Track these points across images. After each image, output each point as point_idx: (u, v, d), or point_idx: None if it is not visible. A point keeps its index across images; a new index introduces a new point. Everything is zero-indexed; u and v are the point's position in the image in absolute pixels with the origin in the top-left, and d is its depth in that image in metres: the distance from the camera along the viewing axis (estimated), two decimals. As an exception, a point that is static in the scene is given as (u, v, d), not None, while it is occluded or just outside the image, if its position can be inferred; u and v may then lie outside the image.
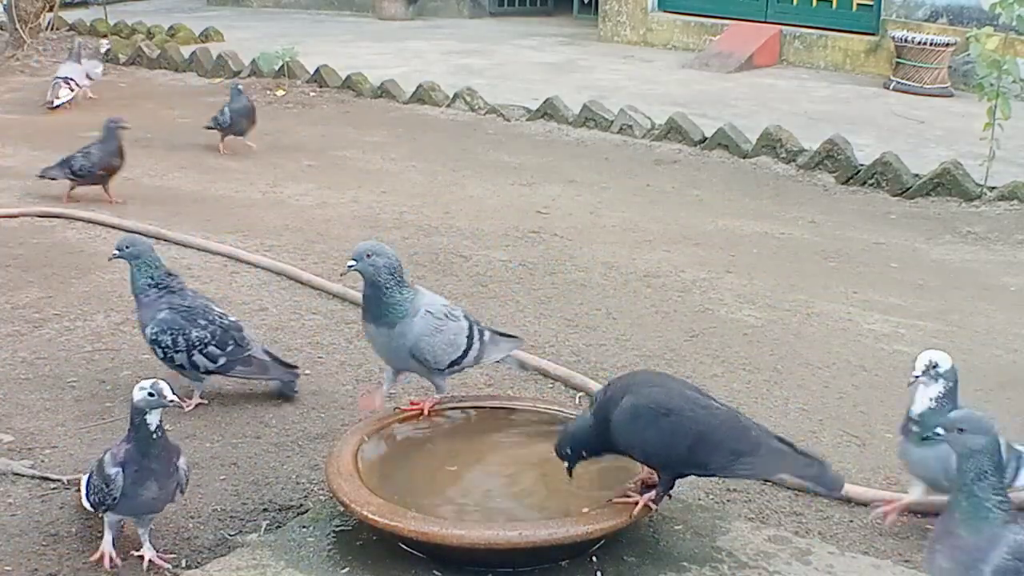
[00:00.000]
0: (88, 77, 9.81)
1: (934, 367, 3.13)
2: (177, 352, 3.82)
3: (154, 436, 2.93)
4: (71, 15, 13.63)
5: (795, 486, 3.41)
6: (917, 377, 3.13)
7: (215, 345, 3.85)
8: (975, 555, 2.43)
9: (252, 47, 11.03)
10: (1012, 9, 6.92)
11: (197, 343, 3.82)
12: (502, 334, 3.57)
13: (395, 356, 3.37)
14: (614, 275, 5.45)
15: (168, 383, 2.94)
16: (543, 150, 8.14)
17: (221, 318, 3.93)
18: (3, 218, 6.00)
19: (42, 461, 3.49)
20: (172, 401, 2.93)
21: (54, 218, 6.04)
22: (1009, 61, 6.88)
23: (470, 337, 3.37)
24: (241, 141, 7.76)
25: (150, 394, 2.91)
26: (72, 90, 9.32)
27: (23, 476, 3.38)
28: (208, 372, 3.88)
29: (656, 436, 2.84)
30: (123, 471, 2.90)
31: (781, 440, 2.95)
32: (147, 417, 2.92)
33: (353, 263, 3.24)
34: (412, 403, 3.44)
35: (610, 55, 12.59)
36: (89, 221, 5.97)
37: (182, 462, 3.02)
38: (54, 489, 3.33)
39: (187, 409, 3.81)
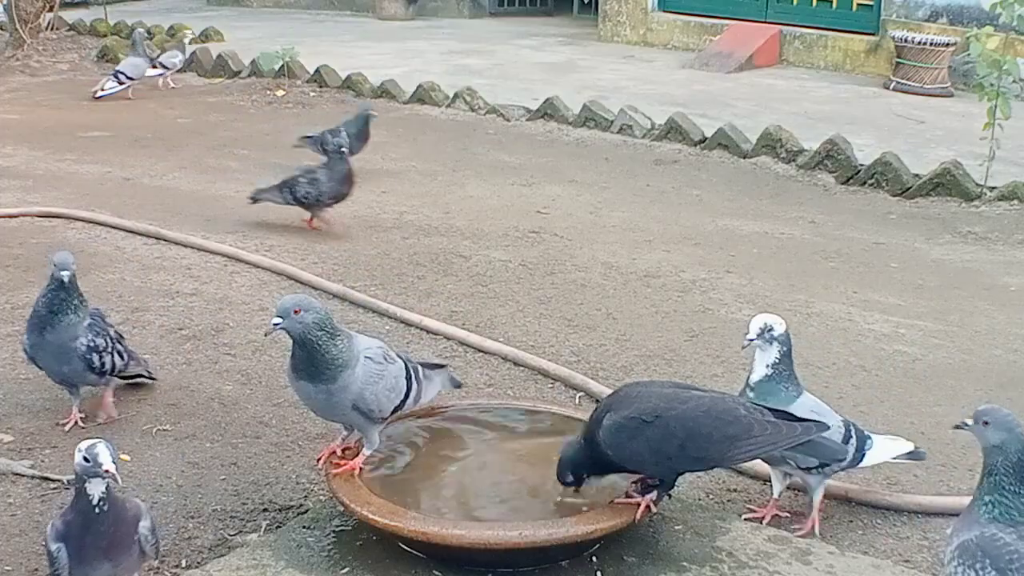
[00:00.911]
0: (163, 65, 10.01)
1: (769, 330, 3.07)
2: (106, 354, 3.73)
3: (96, 510, 2.49)
4: (71, 15, 13.62)
5: (795, 485, 3.41)
6: (752, 340, 3.07)
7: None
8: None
9: (252, 47, 11.03)
10: (1012, 9, 6.92)
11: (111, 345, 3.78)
12: (429, 365, 3.34)
13: (334, 412, 3.08)
14: (614, 275, 5.45)
15: (108, 445, 2.51)
16: (543, 150, 8.14)
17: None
18: (3, 218, 6.00)
19: (42, 461, 3.49)
20: (108, 472, 2.45)
21: (54, 218, 6.04)
22: (1009, 61, 6.88)
23: (409, 378, 3.14)
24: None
25: (85, 458, 2.46)
26: (120, 83, 9.52)
27: (23, 476, 3.38)
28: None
29: (645, 445, 2.82)
30: (65, 547, 2.50)
31: (773, 411, 2.94)
32: (87, 486, 2.48)
33: (279, 321, 2.93)
34: (338, 463, 3.09)
35: (610, 55, 12.59)
36: (89, 221, 5.97)
37: (144, 526, 2.60)
38: (54, 489, 3.33)
39: (102, 421, 3.75)
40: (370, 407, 3.04)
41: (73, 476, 2.55)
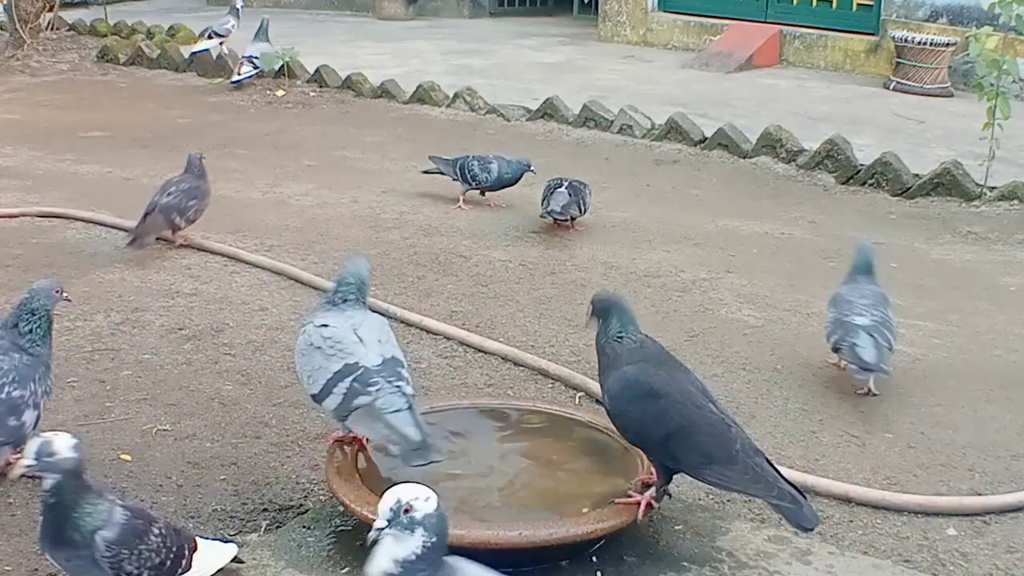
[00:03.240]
0: (216, 34, 10.32)
1: (406, 512, 2.09)
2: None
3: (47, 497, 2.52)
4: (71, 15, 13.62)
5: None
6: (381, 529, 2.09)
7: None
8: None
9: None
10: (1011, 8, 6.92)
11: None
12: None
13: None
14: (614, 275, 5.45)
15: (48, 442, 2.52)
16: (543, 150, 8.13)
17: None
18: (3, 218, 6.01)
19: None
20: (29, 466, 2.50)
21: (54, 218, 6.04)
22: (1009, 61, 6.88)
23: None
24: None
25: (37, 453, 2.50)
26: (254, 69, 9.96)
27: (23, 476, 3.37)
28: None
29: (639, 414, 2.89)
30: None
31: (770, 465, 2.87)
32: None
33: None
34: None
35: (610, 55, 12.59)
36: (89, 221, 5.97)
37: (103, 536, 2.53)
38: (54, 489, 3.32)
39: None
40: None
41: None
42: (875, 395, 4.14)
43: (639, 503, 2.90)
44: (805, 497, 2.87)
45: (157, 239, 5.54)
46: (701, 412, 2.89)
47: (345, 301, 3.11)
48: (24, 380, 3.25)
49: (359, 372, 2.91)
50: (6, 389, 3.22)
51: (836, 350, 4.26)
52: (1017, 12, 6.90)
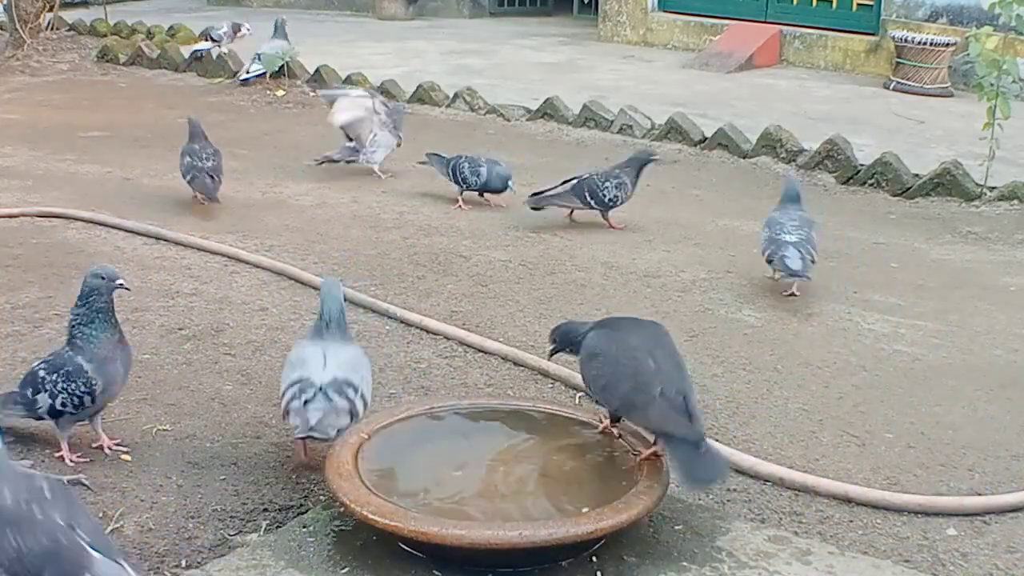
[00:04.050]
0: (211, 38, 10.48)
1: None
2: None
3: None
4: (71, 15, 13.63)
5: (793, 485, 3.42)
6: None
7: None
8: None
9: (252, 47, 11.02)
10: (1010, 8, 6.92)
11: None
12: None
13: None
14: (614, 275, 5.45)
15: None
16: (543, 150, 8.14)
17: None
18: (3, 218, 6.01)
19: (42, 461, 3.48)
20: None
21: (54, 218, 6.04)
22: (1009, 61, 6.88)
23: None
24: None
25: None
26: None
27: (23, 476, 3.37)
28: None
29: (586, 371, 3.30)
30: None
31: (688, 412, 3.01)
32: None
33: None
34: None
35: (610, 55, 12.60)
36: (89, 221, 5.97)
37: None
38: (54, 489, 3.32)
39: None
40: None
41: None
42: (796, 295, 5.13)
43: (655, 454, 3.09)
44: (711, 448, 3.04)
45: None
46: (630, 364, 3.13)
47: (328, 327, 3.49)
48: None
49: (302, 381, 3.33)
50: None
51: (769, 262, 5.21)
52: (1017, 12, 6.90)
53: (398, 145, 7.22)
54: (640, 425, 3.20)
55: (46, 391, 3.40)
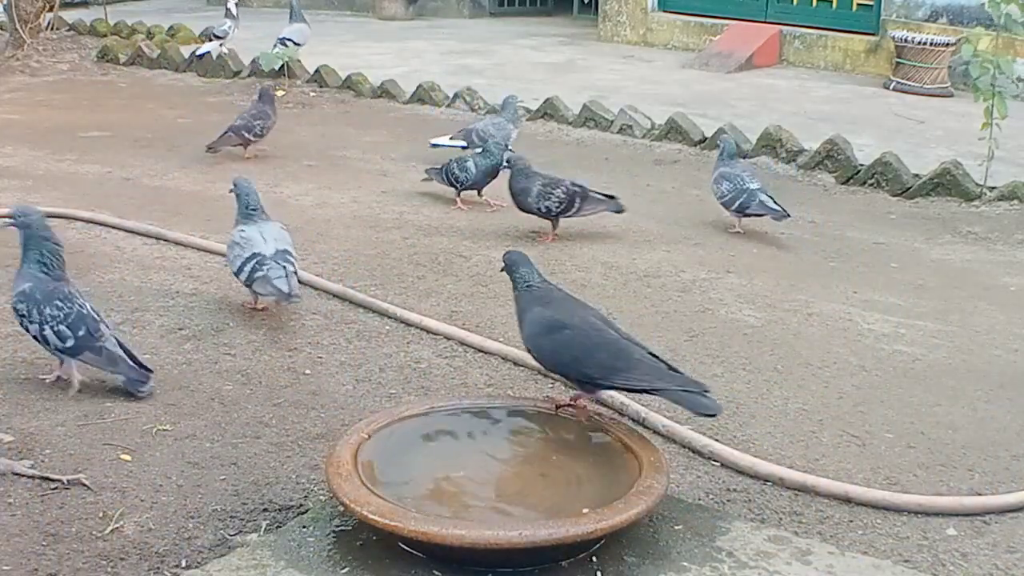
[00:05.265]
0: (215, 36, 10.49)
1: None
2: (31, 323, 3.95)
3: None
4: (71, 15, 13.63)
5: (793, 485, 3.42)
6: None
7: (66, 326, 3.91)
8: None
9: (252, 47, 11.03)
10: (998, 8, 6.92)
11: (49, 319, 3.92)
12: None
13: None
14: (614, 275, 5.45)
15: None
16: (543, 150, 8.13)
17: (81, 306, 3.98)
18: (3, 218, 5.99)
19: (42, 461, 3.48)
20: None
21: (54, 218, 6.02)
22: (1005, 61, 6.87)
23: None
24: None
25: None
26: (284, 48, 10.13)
27: (23, 476, 3.37)
28: (59, 350, 3.95)
29: (551, 345, 3.41)
30: None
31: (671, 369, 3.30)
32: None
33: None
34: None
35: (610, 55, 12.60)
36: (89, 221, 5.97)
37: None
38: (54, 489, 3.32)
39: (47, 381, 4.00)
40: None
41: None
42: (740, 232, 6.06)
43: (580, 405, 3.37)
44: (708, 390, 3.25)
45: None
46: (600, 334, 3.37)
47: (254, 212, 4.81)
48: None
49: (259, 257, 4.58)
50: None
51: (742, 209, 5.99)
52: (1006, 11, 6.90)
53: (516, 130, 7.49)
54: (622, 388, 3.47)
55: None
